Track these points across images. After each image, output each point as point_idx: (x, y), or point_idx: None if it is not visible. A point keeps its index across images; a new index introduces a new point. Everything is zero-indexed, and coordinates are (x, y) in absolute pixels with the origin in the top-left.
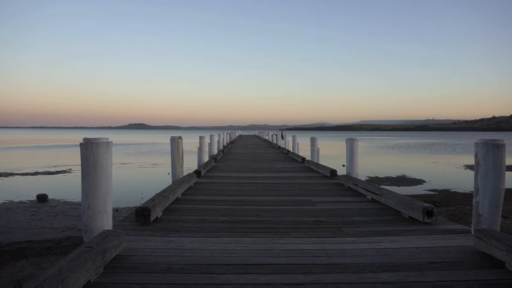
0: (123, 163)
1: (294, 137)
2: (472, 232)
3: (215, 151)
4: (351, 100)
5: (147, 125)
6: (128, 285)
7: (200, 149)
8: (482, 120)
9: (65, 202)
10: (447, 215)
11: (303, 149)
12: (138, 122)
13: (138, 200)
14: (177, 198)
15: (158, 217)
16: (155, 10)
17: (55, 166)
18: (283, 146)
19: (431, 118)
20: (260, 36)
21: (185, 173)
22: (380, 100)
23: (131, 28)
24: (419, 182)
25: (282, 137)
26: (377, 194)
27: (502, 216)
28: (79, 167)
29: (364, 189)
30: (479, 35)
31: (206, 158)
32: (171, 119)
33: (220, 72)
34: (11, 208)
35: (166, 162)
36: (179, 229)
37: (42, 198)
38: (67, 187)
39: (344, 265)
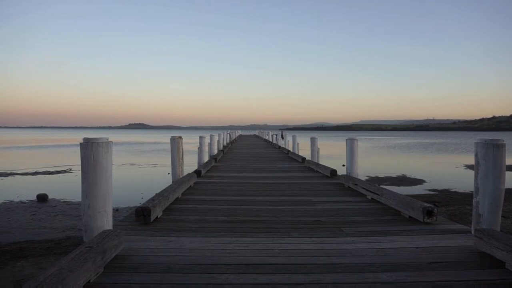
0: (123, 163)
1: (294, 137)
2: (472, 232)
3: (215, 151)
4: (351, 100)
5: (147, 125)
6: (128, 285)
7: (200, 149)
8: (482, 120)
9: (65, 202)
10: (447, 215)
11: (303, 149)
12: (138, 122)
13: (138, 200)
14: (177, 198)
15: (158, 217)
16: (155, 10)
17: (55, 166)
18: (283, 146)
19: (431, 118)
20: (260, 36)
21: (185, 173)
22: (380, 100)
23: (131, 28)
24: (419, 182)
25: (282, 137)
26: (377, 194)
27: (502, 216)
28: (79, 167)
29: (364, 189)
30: (479, 35)
31: (206, 158)
32: (171, 119)
33: (220, 72)
34: (11, 208)
35: (166, 162)
36: (179, 229)
37: (42, 198)
38: (67, 187)
39: (344, 265)
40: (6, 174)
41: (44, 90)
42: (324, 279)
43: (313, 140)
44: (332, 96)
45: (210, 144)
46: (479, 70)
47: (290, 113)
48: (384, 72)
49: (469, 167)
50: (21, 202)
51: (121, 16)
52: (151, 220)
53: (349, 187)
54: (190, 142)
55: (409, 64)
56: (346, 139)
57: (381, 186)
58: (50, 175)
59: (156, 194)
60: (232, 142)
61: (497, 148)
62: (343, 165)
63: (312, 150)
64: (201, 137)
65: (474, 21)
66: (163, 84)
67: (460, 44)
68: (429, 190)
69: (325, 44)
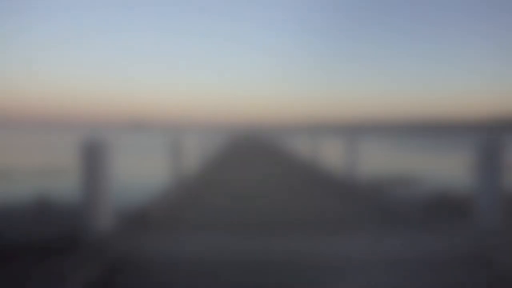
0: (123, 163)
1: (295, 138)
2: (472, 232)
3: (215, 152)
4: (351, 100)
5: (147, 125)
6: (128, 285)
7: (200, 149)
8: (484, 120)
9: (65, 202)
10: (447, 215)
11: (306, 150)
12: (138, 122)
13: (138, 200)
14: (177, 198)
15: (158, 217)
16: (155, 9)
17: (55, 166)
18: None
19: (431, 118)
20: (260, 36)
21: (184, 173)
22: (381, 100)
23: (131, 27)
24: (419, 182)
25: (282, 137)
26: (377, 194)
27: (502, 216)
28: (79, 167)
29: (364, 189)
30: (480, 34)
31: (205, 158)
32: (171, 119)
33: (220, 72)
34: (11, 208)
35: (166, 162)
36: (180, 229)
37: (42, 198)
38: (67, 187)
39: (344, 265)
40: (6, 174)
41: (44, 90)
42: (324, 279)
43: (317, 141)
44: (332, 95)
45: (209, 145)
46: (479, 69)
47: (291, 114)
48: (384, 72)
49: (469, 167)
50: (21, 202)
51: (121, 15)
52: (151, 221)
53: (349, 187)
54: (190, 142)
55: (409, 64)
56: (346, 139)
57: (381, 186)
58: (50, 175)
59: (156, 194)
60: (232, 142)
61: (497, 148)
62: (343, 165)
63: (315, 151)
64: (201, 138)
65: (475, 21)
66: (163, 83)
67: (460, 43)
68: (429, 190)
69: (325, 43)
